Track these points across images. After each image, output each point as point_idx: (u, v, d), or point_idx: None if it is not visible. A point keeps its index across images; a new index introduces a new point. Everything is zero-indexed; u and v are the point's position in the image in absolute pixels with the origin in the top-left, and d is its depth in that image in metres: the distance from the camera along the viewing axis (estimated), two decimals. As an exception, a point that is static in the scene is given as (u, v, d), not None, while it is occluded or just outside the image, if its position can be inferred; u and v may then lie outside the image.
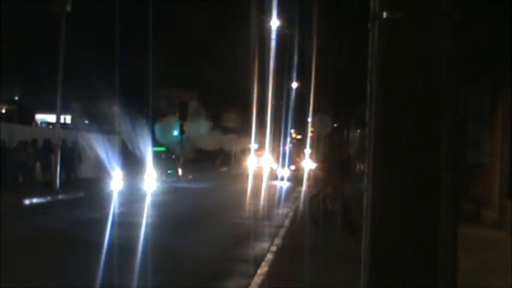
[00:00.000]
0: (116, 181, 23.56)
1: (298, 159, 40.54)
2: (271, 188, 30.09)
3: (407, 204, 2.62)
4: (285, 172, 36.64)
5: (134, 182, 24.21)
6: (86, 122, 38.89)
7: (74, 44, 28.61)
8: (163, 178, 26.17)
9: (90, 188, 23.44)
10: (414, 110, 2.66)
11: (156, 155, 27.59)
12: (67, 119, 37.46)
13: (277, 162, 37.66)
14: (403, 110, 2.66)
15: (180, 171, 29.38)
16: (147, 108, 36.34)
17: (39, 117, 44.24)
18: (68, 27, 22.22)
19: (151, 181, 24.55)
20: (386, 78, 2.68)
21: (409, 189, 2.63)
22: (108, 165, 24.93)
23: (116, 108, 40.70)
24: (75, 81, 35.93)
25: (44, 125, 39.84)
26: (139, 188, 23.74)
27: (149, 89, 35.33)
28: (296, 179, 35.26)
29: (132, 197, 21.75)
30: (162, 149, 32.66)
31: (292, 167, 37.42)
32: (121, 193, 22.39)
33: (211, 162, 55.91)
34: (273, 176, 36.28)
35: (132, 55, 39.32)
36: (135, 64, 38.93)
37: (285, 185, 33.27)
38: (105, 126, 36.50)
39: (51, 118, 35.42)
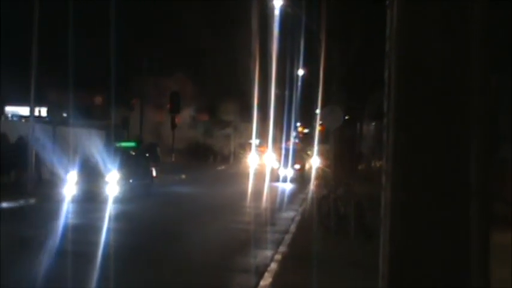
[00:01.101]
0: (70, 185, 21.29)
1: (305, 155, 40.08)
2: (273, 190, 30.02)
3: (433, 205, 2.60)
4: (289, 172, 35.55)
5: (93, 185, 21.44)
6: (65, 114, 38.85)
7: (51, 26, 28.61)
8: (131, 181, 22.90)
9: (43, 194, 21.44)
10: (440, 99, 2.63)
11: (122, 152, 24.89)
12: (42, 111, 37.42)
13: (279, 161, 36.04)
14: (427, 99, 2.63)
15: (153, 172, 26.01)
16: (135, 99, 36.33)
17: (10, 109, 44.23)
18: (44, 7, 22.18)
19: (112, 185, 21.63)
20: (408, 62, 2.65)
21: (434, 189, 2.61)
22: (68, 166, 22.73)
23: (99, 99, 40.71)
24: (52, 68, 35.94)
25: (15, 118, 39.83)
26: (98, 194, 21.21)
27: (138, 77, 35.33)
28: (302, 179, 34.79)
29: (84, 206, 19.69)
30: (130, 144, 30.39)
31: (297, 166, 36.14)
32: (73, 201, 20.40)
33: (207, 159, 55.96)
34: (274, 177, 34.89)
35: (118, 40, 39.29)
36: (121, 50, 38.91)
37: (289, 187, 32.47)
38: (87, 120, 36.53)
39: (24, 111, 35.43)
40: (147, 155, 29.79)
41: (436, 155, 2.62)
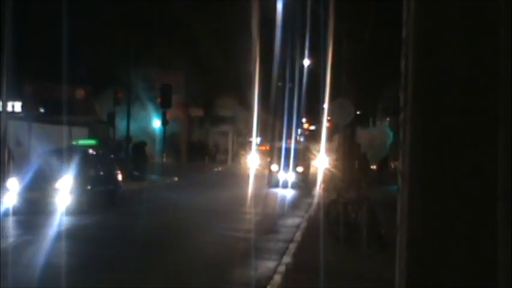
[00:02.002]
0: (11, 194, 19.13)
1: (310, 156, 39.43)
2: (274, 195, 30.00)
3: (455, 210, 2.59)
4: (290, 176, 33.55)
5: (39, 194, 19.29)
6: (42, 110, 38.90)
7: (28, 12, 28.62)
8: (89, 187, 20.74)
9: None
10: (464, 91, 2.62)
11: (79, 152, 22.64)
12: (16, 106, 37.45)
13: (278, 163, 33.69)
14: (449, 92, 2.63)
15: (119, 176, 23.85)
16: (121, 92, 36.30)
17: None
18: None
19: (64, 193, 19.33)
20: (427, 50, 2.64)
21: (456, 192, 2.60)
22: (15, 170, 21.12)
23: (82, 93, 40.69)
24: (28, 58, 35.94)
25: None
26: (44, 205, 18.94)
27: (125, 69, 35.29)
28: (305, 184, 33.45)
29: (21, 220, 17.75)
30: (89, 142, 28.39)
31: (299, 169, 33.96)
32: (8, 214, 18.07)
33: (202, 159, 55.99)
34: (273, 182, 33.39)
35: (103, 27, 39.32)
36: (107, 38, 38.94)
37: (290, 194, 30.83)
38: (69, 115, 36.48)
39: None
40: (112, 156, 26.63)
41: (459, 154, 2.61)
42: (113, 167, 23.99)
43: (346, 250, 13.57)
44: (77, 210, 19.30)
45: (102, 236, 15.90)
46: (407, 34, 2.70)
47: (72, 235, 15.53)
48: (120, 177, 23.86)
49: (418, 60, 2.69)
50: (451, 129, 2.63)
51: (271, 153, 36.71)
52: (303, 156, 35.44)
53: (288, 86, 54.48)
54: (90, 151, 23.56)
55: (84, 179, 20.38)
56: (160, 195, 26.41)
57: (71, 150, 22.81)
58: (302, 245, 14.90)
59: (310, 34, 38.11)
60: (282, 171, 33.51)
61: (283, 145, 36.99)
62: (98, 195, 21.17)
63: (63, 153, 21.38)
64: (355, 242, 13.88)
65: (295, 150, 35.05)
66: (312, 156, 39.67)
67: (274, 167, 34.00)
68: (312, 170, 37.25)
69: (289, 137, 45.58)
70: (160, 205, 22.87)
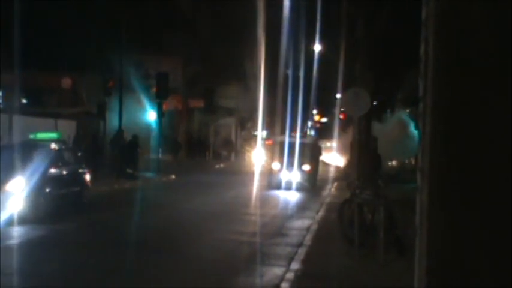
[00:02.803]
0: None
1: (317, 151, 37.85)
2: (280, 196, 29.93)
3: (480, 211, 2.59)
4: (294, 175, 31.63)
5: None
6: (24, 100, 38.97)
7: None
8: (48, 190, 19.05)
9: None
10: (490, 79, 2.61)
11: (36, 148, 20.89)
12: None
13: (281, 160, 31.80)
14: (473, 79, 2.62)
15: (87, 178, 22.18)
16: (112, 81, 36.31)
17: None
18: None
19: (17, 197, 17.66)
20: (449, 33, 2.63)
21: (482, 191, 2.60)
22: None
23: (68, 81, 40.75)
24: (8, 43, 35.99)
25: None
26: None
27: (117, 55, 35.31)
28: (312, 185, 32.10)
29: None
30: (49, 135, 25.20)
31: (306, 167, 31.89)
32: None
33: (202, 155, 56.05)
34: (273, 182, 31.79)
35: (91, 8, 39.35)
36: (96, 20, 38.96)
37: (294, 197, 29.09)
38: (53, 107, 36.61)
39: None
40: (79, 154, 24.42)
41: (485, 151, 2.61)
42: (80, 165, 22.23)
43: (361, 255, 13.58)
44: (32, 218, 17.46)
45: (53, 257, 13.29)
46: (427, 15, 2.69)
47: (14, 254, 13.30)
48: (88, 177, 22.18)
49: (439, 44, 2.68)
50: (476, 122, 2.62)
51: (272, 149, 34.81)
52: (310, 152, 33.17)
53: (295, 73, 54.40)
54: (52, 146, 21.10)
55: (41, 179, 18.65)
56: (152, 196, 26.40)
57: (27, 146, 20.81)
58: (312, 249, 14.93)
59: (321, 15, 38.10)
60: (284, 170, 31.72)
61: (286, 139, 34.12)
62: (59, 199, 19.67)
63: (16, 148, 19.61)
64: (371, 246, 13.90)
65: (301, 144, 32.75)
66: (321, 152, 37.73)
67: (275, 165, 32.33)
68: (321, 167, 36.27)
69: (295, 129, 42.82)
70: (146, 208, 21.65)
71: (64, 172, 20.60)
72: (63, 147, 22.30)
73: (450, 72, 2.66)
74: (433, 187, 2.67)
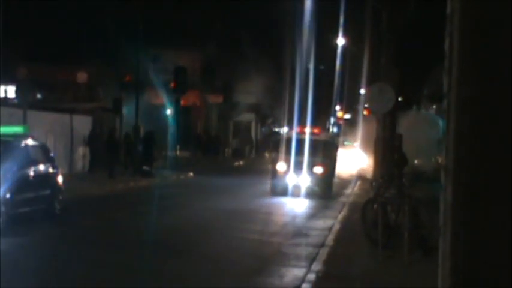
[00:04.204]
0: None
1: (332, 149, 30.76)
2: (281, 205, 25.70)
3: (506, 210, 2.59)
4: (303, 180, 27.29)
5: None
6: (39, 95, 39.11)
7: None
8: (8, 196, 16.53)
9: None
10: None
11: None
12: (9, 91, 37.71)
13: (287, 160, 27.46)
14: (499, 76, 2.63)
15: (59, 179, 19.67)
16: (128, 76, 36.40)
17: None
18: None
19: None
20: (475, 27, 2.64)
21: (507, 189, 2.60)
22: None
23: (84, 76, 40.89)
24: (23, 37, 36.19)
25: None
26: None
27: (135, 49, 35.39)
28: (326, 191, 27.73)
29: None
30: (13, 130, 21.81)
31: (318, 169, 27.50)
32: None
33: (221, 153, 56.04)
34: (278, 187, 27.61)
35: (110, 2, 39.42)
36: (112, 13, 39.08)
37: (302, 206, 25.21)
38: (68, 102, 36.72)
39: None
40: (51, 155, 20.98)
41: (510, 147, 2.61)
42: (52, 165, 19.66)
43: (385, 256, 13.56)
44: None
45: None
46: (453, 10, 2.70)
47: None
48: (60, 178, 19.69)
49: (464, 39, 2.69)
50: (502, 119, 2.63)
51: (277, 146, 29.88)
52: (324, 151, 28.79)
53: (317, 67, 54.18)
54: (15, 142, 18.81)
55: (1, 182, 16.42)
56: (168, 194, 26.20)
57: None
58: (334, 250, 14.93)
59: (345, 8, 38.08)
60: (292, 172, 27.25)
61: (294, 135, 29.47)
62: (24, 204, 17.33)
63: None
64: (396, 247, 13.88)
65: (313, 141, 28.40)
66: (338, 150, 33.18)
67: (281, 166, 27.72)
68: (336, 170, 31.98)
69: (297, 123, 36.72)
70: (162, 207, 20.85)
71: (31, 173, 18.15)
72: (30, 143, 19.18)
73: (475, 68, 2.67)
74: (457, 186, 2.69)
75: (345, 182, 34.40)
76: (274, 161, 28.54)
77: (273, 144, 32.97)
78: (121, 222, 18.96)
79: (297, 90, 44.83)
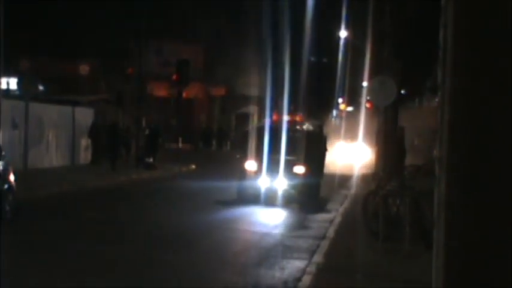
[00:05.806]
0: None
1: (329, 143, 27.84)
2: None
3: (500, 203, 2.58)
4: (279, 183, 21.57)
5: None
6: (41, 87, 39.07)
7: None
8: None
9: None
10: (510, 66, 2.60)
11: None
12: (11, 83, 37.72)
13: (259, 158, 21.63)
14: (493, 67, 2.62)
15: (11, 178, 16.66)
16: (131, 68, 36.43)
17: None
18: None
19: None
20: (469, 18, 2.63)
21: (503, 182, 2.59)
22: None
23: (86, 68, 40.91)
24: (25, 29, 36.19)
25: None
26: None
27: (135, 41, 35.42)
28: (309, 197, 21.85)
29: None
30: None
31: (298, 169, 21.64)
32: None
33: (223, 145, 56.04)
34: (246, 191, 21.69)
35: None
36: (115, 6, 39.05)
37: (278, 217, 19.82)
38: (70, 94, 36.69)
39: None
40: (3, 153, 17.20)
41: (504, 138, 2.60)
42: (3, 161, 16.60)
43: (386, 249, 13.56)
44: None
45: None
46: (447, 0, 2.69)
47: None
48: (12, 176, 16.75)
49: (459, 30, 2.67)
50: (496, 111, 2.61)
51: (245, 139, 23.87)
52: (308, 144, 22.61)
53: (319, 60, 54.19)
54: None
55: None
56: (170, 186, 26.23)
57: None
58: (335, 242, 14.94)
59: (348, 1, 38.00)
60: (265, 172, 21.55)
61: (267, 124, 23.53)
62: None
63: None
64: (396, 239, 13.87)
65: (292, 132, 22.86)
66: (326, 145, 26.40)
67: (250, 165, 21.96)
68: (330, 167, 28.71)
69: (270, 111, 31.22)
70: (163, 200, 21.18)
71: None
72: None
73: (469, 59, 2.65)
74: (451, 179, 2.68)
75: (344, 181, 32.88)
76: (242, 159, 22.54)
77: (241, 136, 27.47)
78: (121, 216, 18.87)
79: (287, 79, 44.31)
